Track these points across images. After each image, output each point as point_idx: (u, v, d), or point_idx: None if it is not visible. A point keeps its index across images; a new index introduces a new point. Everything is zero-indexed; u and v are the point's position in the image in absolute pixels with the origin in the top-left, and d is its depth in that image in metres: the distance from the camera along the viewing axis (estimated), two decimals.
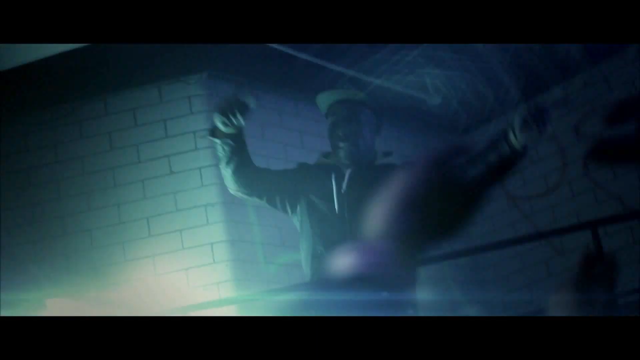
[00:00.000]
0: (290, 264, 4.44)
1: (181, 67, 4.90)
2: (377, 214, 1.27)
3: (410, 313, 2.84)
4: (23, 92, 4.68)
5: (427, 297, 5.58)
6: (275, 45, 4.73)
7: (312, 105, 3.65)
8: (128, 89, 4.91)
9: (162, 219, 4.72)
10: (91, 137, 4.90)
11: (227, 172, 3.15)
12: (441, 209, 1.20)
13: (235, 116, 2.97)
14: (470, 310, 4.58)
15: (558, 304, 1.38)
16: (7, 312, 3.79)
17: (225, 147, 3.08)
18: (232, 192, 3.25)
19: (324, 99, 3.35)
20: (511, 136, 2.80)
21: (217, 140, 3.08)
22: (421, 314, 3.25)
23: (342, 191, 3.22)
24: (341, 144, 3.24)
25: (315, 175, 3.30)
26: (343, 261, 1.12)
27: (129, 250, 4.65)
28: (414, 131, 6.10)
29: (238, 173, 3.13)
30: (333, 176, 3.25)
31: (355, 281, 1.12)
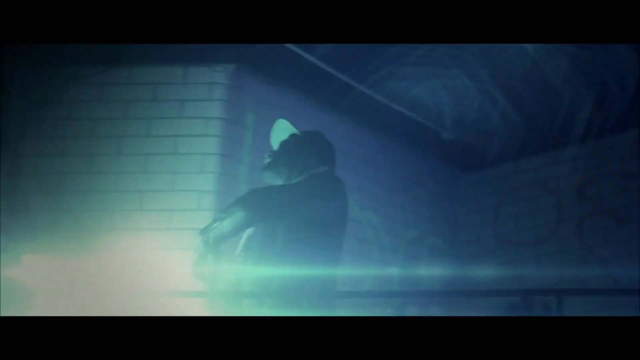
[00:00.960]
0: None
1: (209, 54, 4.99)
2: None
3: None
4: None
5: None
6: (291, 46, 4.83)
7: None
8: (154, 64, 5.03)
9: (156, 195, 4.85)
10: (108, 103, 5.03)
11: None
12: None
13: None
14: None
15: None
16: None
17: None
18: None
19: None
20: None
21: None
22: None
23: None
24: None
25: None
26: None
27: (119, 220, 4.79)
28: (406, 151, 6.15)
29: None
30: None
31: None
